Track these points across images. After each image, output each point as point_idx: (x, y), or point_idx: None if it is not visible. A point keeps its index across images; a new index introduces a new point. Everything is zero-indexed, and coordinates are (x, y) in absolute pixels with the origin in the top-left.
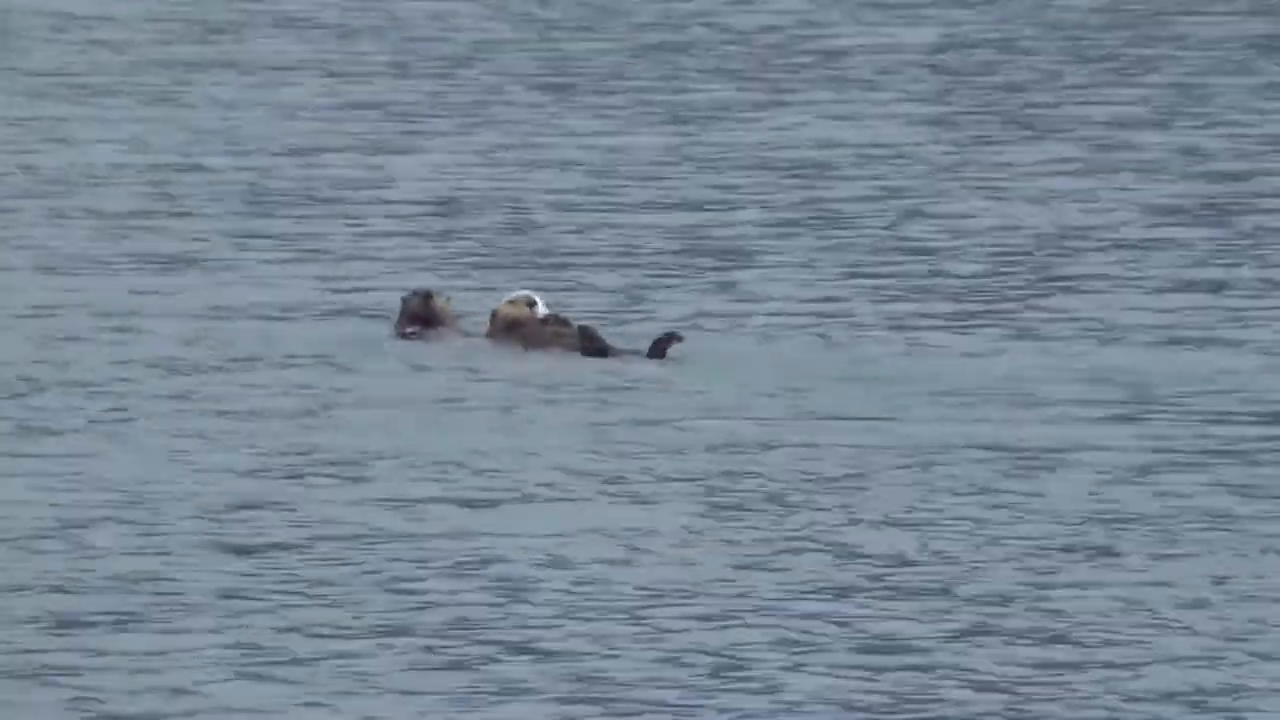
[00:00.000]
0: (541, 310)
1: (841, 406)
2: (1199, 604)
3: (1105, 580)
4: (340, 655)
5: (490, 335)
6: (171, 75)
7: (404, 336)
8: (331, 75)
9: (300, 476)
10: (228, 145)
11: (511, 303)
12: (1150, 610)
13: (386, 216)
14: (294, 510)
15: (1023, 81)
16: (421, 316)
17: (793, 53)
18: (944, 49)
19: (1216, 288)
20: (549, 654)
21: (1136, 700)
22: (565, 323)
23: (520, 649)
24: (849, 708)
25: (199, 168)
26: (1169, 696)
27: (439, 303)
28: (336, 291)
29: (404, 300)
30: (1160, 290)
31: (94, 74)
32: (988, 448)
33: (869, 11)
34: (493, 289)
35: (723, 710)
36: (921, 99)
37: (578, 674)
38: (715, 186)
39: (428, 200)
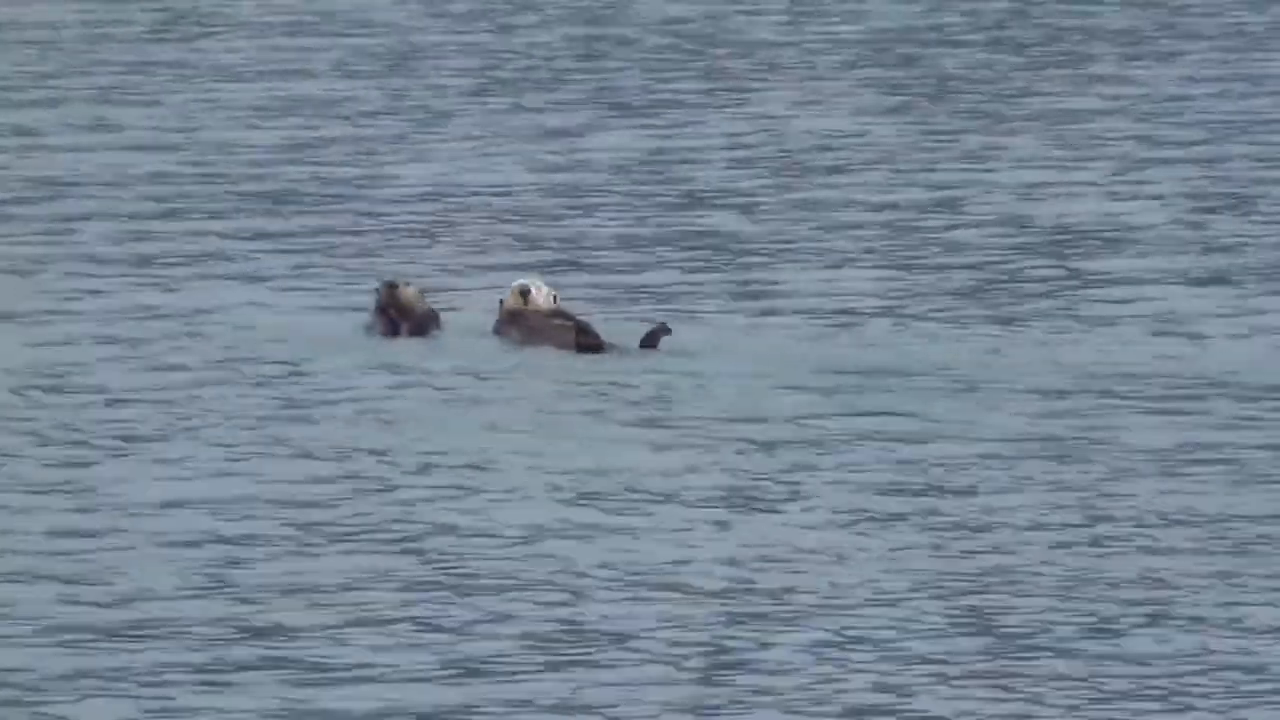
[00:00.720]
0: (539, 296)
1: (875, 403)
2: None
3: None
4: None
5: (497, 327)
6: (113, 79)
7: (385, 334)
8: (273, 75)
9: (349, 484)
10: (182, 149)
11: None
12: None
13: (368, 215)
14: (372, 514)
15: (961, 71)
16: (390, 307)
17: (723, 44)
18: (873, 40)
19: (1233, 276)
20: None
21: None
22: (569, 316)
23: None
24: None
25: (158, 174)
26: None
27: (407, 292)
28: (320, 292)
29: (375, 292)
30: (1162, 281)
31: (33, 80)
32: (1013, 440)
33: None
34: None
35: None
36: (874, 88)
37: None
38: (701, 181)
39: (404, 199)
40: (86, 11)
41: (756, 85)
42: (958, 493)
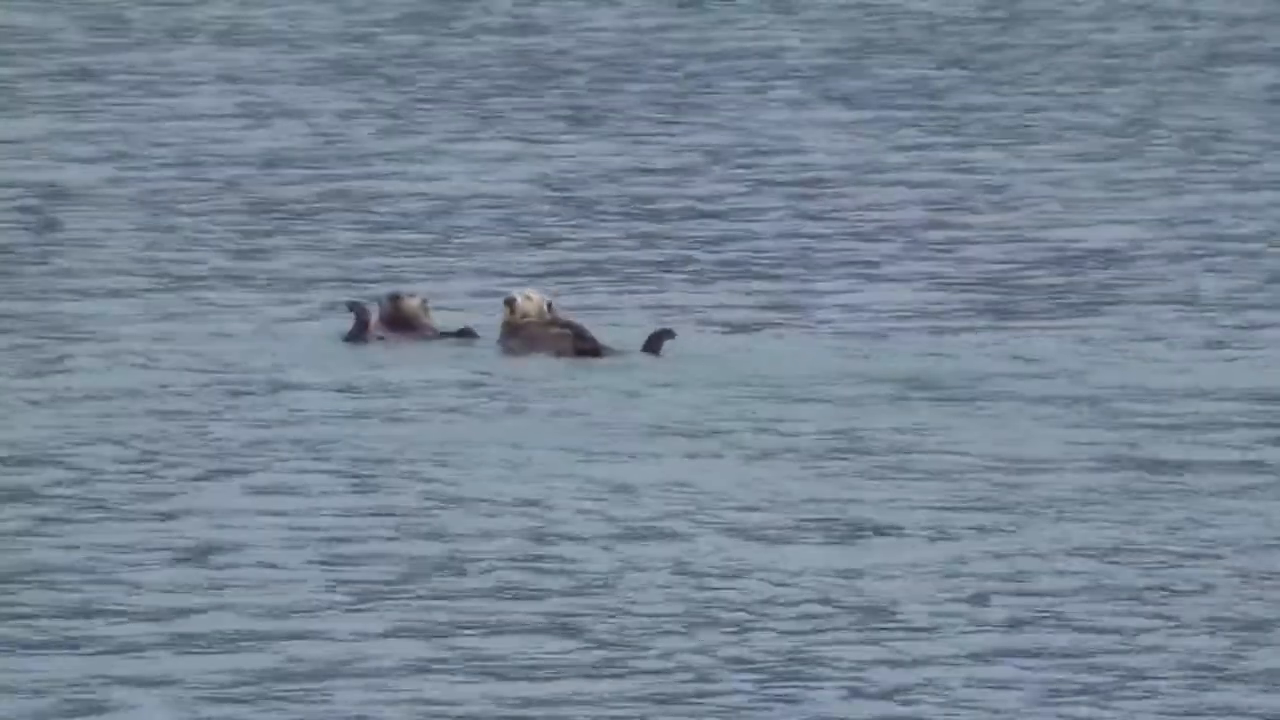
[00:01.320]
0: (529, 305)
1: (902, 417)
2: None
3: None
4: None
5: (500, 340)
6: (75, 86)
7: (375, 338)
8: (231, 82)
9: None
10: (140, 158)
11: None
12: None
13: (352, 225)
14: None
15: (916, 82)
16: (392, 319)
17: (670, 56)
18: (829, 49)
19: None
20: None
21: None
22: (566, 324)
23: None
24: None
25: (115, 181)
26: None
27: (411, 304)
28: (302, 302)
29: (371, 305)
30: (1152, 301)
31: None
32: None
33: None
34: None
35: None
36: (836, 101)
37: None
38: (690, 190)
39: (394, 208)
40: (33, 13)
41: (715, 96)
42: (1037, 512)
